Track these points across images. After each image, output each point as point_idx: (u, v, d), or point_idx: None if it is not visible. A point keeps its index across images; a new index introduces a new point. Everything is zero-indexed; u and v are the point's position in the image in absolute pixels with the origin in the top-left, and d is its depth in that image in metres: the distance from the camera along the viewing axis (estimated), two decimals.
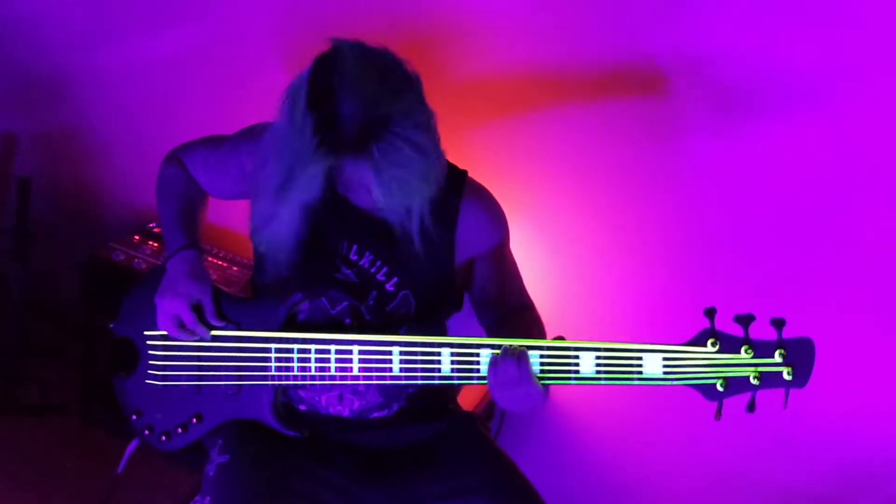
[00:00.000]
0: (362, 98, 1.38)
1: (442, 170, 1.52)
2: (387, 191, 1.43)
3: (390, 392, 1.66)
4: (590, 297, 2.37)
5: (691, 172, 2.18)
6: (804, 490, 2.35)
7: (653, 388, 2.35)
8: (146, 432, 1.73)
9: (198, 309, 1.63)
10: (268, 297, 1.63)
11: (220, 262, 2.56)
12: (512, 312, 1.69)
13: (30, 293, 2.73)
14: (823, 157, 2.03)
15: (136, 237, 2.59)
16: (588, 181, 2.28)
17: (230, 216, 2.46)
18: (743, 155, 2.10)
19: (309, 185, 1.44)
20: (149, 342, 1.72)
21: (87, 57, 2.73)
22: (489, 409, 2.44)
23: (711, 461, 2.43)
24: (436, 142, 1.47)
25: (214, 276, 2.49)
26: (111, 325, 1.78)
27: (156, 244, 2.55)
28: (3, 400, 2.68)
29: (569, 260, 2.36)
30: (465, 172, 1.70)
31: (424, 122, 1.44)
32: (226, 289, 2.42)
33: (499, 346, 1.47)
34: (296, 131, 1.40)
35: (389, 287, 1.63)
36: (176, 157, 1.82)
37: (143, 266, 2.48)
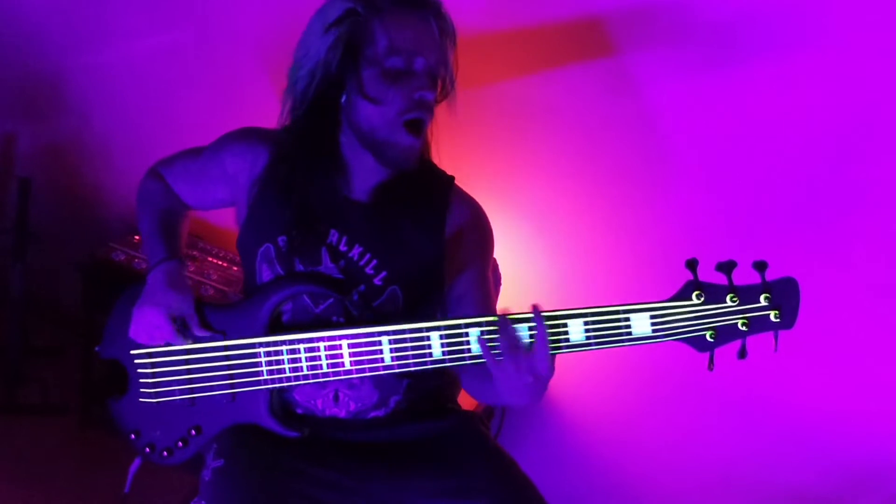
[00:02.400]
0: None
1: None
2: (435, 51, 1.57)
3: (385, 386, 1.66)
4: (583, 284, 2.37)
5: (678, 155, 2.17)
6: (804, 490, 2.35)
7: (653, 386, 2.38)
8: (147, 450, 1.72)
9: (179, 321, 1.62)
10: (249, 301, 1.63)
11: (220, 262, 2.56)
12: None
13: (30, 293, 2.73)
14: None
15: (136, 237, 2.59)
16: (573, 166, 2.28)
17: (230, 216, 2.46)
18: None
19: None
20: (136, 361, 1.70)
21: (87, 58, 2.73)
22: (489, 408, 2.44)
23: (711, 461, 2.43)
24: None
25: (214, 276, 2.49)
26: (96, 349, 1.76)
27: None
28: (3, 400, 2.68)
29: (556, 246, 2.36)
30: (452, 178, 1.73)
31: None
32: (226, 289, 2.45)
33: (487, 324, 1.46)
34: None
35: (377, 281, 1.63)
36: (155, 172, 1.82)
37: (144, 266, 2.48)
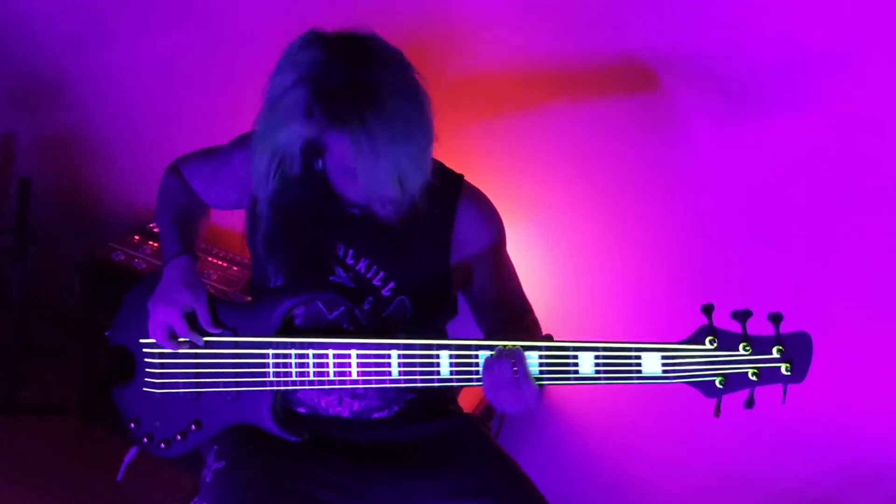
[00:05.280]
0: (346, 63, 1.38)
1: (430, 159, 1.49)
2: (373, 167, 1.40)
3: (388, 396, 1.66)
4: (590, 298, 2.37)
5: (690, 171, 2.18)
6: (804, 490, 2.35)
7: (653, 387, 2.37)
8: (145, 440, 1.72)
9: (192, 317, 1.62)
10: (263, 302, 1.62)
11: (220, 262, 2.56)
12: (512, 316, 1.69)
13: (30, 293, 2.73)
14: (823, 151, 2.03)
15: (136, 237, 2.59)
16: (587, 181, 2.28)
17: (230, 216, 2.46)
18: (742, 150, 2.10)
19: (289, 160, 1.45)
20: (145, 350, 1.71)
21: (87, 57, 2.73)
22: (489, 409, 2.44)
23: (711, 461, 2.43)
24: (426, 126, 1.45)
25: (214, 276, 2.49)
26: (106, 334, 1.77)
27: (156, 244, 2.55)
28: (3, 400, 2.68)
29: (568, 260, 2.36)
30: (461, 176, 1.70)
31: (414, 99, 1.42)
32: (226, 289, 2.45)
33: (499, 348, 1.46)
34: (280, 108, 1.40)
35: (385, 292, 1.63)
36: (175, 168, 1.84)
37: (143, 266, 2.48)
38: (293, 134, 1.42)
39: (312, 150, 1.45)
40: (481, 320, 1.73)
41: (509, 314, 1.69)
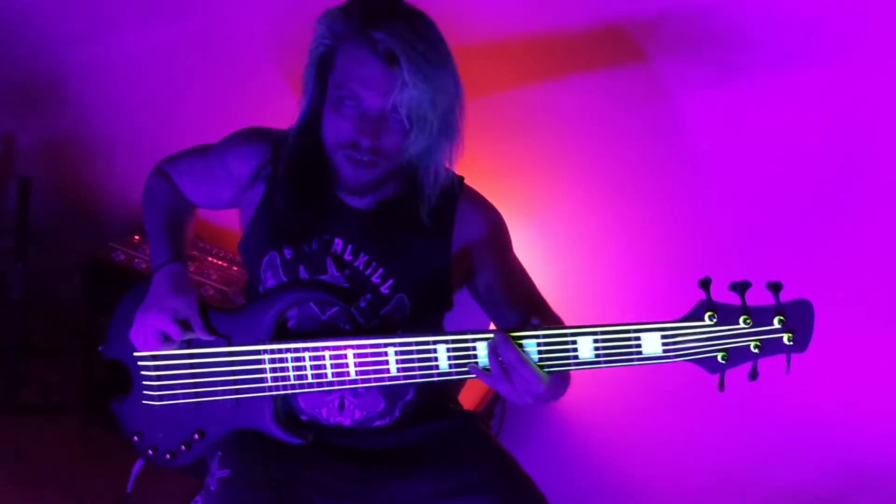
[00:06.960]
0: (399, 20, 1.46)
1: (458, 136, 1.55)
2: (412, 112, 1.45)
3: (391, 393, 1.66)
4: (592, 291, 2.37)
5: (690, 163, 2.17)
6: (804, 490, 2.35)
7: (654, 385, 2.38)
8: (150, 452, 1.71)
9: (185, 325, 1.60)
10: (254, 306, 1.61)
11: (220, 262, 2.56)
12: (529, 315, 1.67)
13: (30, 293, 2.73)
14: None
15: (136, 237, 2.59)
16: (587, 171, 2.28)
17: (230, 216, 2.46)
18: (742, 133, 2.10)
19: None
20: (140, 363, 1.69)
21: (87, 57, 2.73)
22: (490, 407, 2.45)
23: (712, 461, 2.43)
24: (456, 102, 1.52)
25: (214, 276, 2.49)
26: (100, 349, 1.75)
27: None
28: (4, 400, 2.68)
29: (569, 253, 2.36)
30: (460, 179, 1.70)
31: (451, 69, 1.50)
32: (226, 289, 2.45)
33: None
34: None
35: (384, 290, 1.62)
36: (161, 170, 1.81)
37: (143, 266, 2.48)
38: (322, 30, 1.49)
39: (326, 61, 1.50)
40: (499, 322, 1.70)
41: (524, 312, 1.66)
